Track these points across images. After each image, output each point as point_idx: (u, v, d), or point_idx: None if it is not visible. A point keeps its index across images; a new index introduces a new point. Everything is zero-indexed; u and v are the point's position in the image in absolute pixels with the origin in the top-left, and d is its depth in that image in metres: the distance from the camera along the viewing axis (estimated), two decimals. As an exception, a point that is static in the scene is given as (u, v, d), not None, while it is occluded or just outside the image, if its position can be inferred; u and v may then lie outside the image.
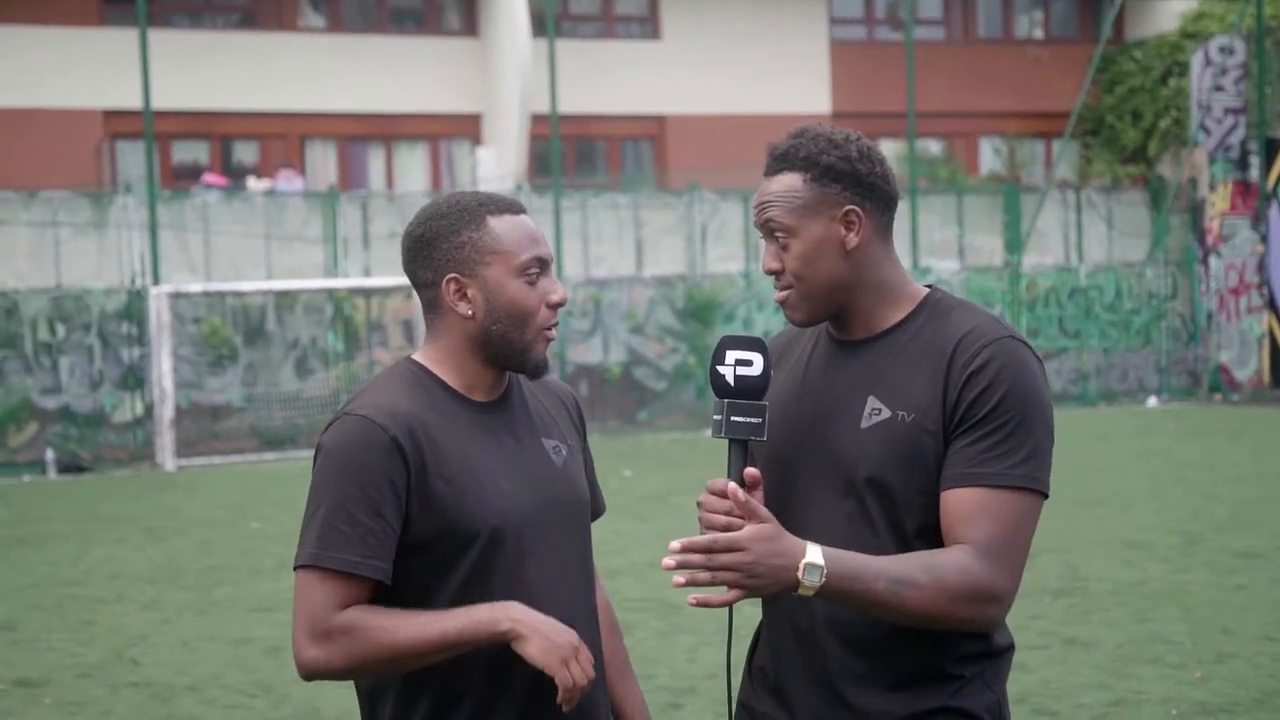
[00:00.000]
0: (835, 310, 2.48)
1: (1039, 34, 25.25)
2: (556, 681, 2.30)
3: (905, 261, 20.65)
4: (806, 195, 2.45)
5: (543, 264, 2.44)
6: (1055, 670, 6.53)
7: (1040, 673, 6.49)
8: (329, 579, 2.33)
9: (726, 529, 2.26)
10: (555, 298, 2.43)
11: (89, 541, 11.11)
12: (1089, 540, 9.62)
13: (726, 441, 2.37)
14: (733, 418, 2.35)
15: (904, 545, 2.38)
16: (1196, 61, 21.35)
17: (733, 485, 2.28)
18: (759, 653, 2.58)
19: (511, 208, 2.47)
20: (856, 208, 2.48)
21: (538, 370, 2.46)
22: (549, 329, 2.45)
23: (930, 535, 2.39)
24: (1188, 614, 7.49)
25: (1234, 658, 6.63)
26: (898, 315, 2.48)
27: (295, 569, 2.36)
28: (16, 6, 19.58)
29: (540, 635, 2.29)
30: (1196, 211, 21.58)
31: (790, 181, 2.46)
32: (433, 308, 2.46)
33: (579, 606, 2.48)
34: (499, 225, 2.43)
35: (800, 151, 2.47)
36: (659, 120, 22.31)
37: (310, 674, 2.35)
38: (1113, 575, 8.50)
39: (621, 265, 19.41)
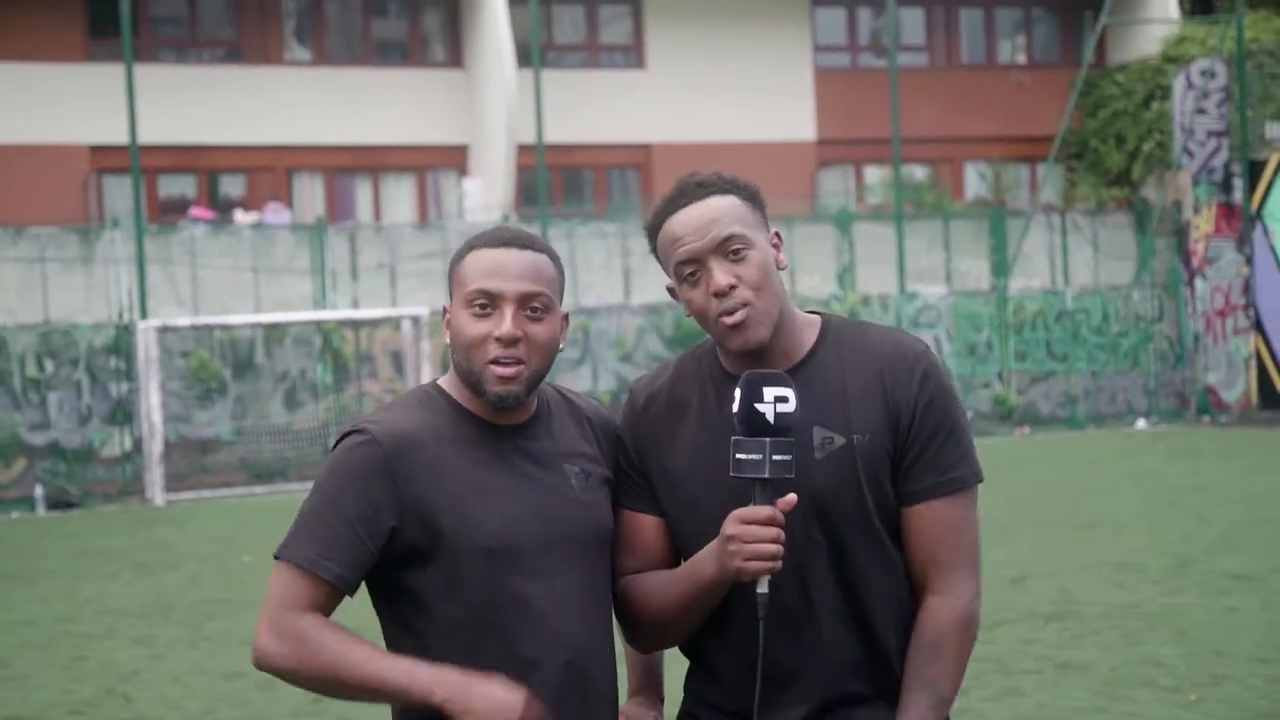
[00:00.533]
0: (770, 335, 2.44)
1: (1022, 59, 25.40)
2: None
3: (892, 287, 20.73)
4: (749, 213, 2.45)
5: (489, 296, 2.41)
6: (1049, 694, 6.53)
7: (1034, 697, 6.49)
8: (293, 574, 2.38)
9: (775, 558, 2.29)
10: (498, 332, 2.40)
11: (79, 577, 11.07)
12: (1081, 564, 9.63)
13: (752, 482, 2.31)
14: (774, 456, 2.30)
15: (886, 560, 2.43)
16: (1179, 85, 21.49)
17: (778, 513, 2.30)
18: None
19: (495, 242, 2.46)
20: (778, 232, 2.52)
21: (498, 402, 2.45)
22: (497, 365, 2.41)
23: (886, 548, 2.44)
24: (1181, 636, 7.49)
25: (1228, 680, 6.63)
26: (807, 343, 2.48)
27: (276, 557, 2.43)
28: (3, 43, 19.61)
29: (472, 714, 2.29)
30: (1181, 234, 21.68)
31: (726, 202, 2.44)
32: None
33: (588, 637, 2.47)
34: (472, 259, 2.46)
35: (725, 178, 2.48)
36: (645, 149, 22.39)
37: (259, 663, 2.39)
38: (1105, 598, 8.51)
39: (609, 294, 19.44)
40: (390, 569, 2.43)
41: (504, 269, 2.42)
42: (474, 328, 2.42)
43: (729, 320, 2.39)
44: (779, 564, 2.30)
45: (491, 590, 2.41)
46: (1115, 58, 24.26)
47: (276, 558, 2.41)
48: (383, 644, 2.48)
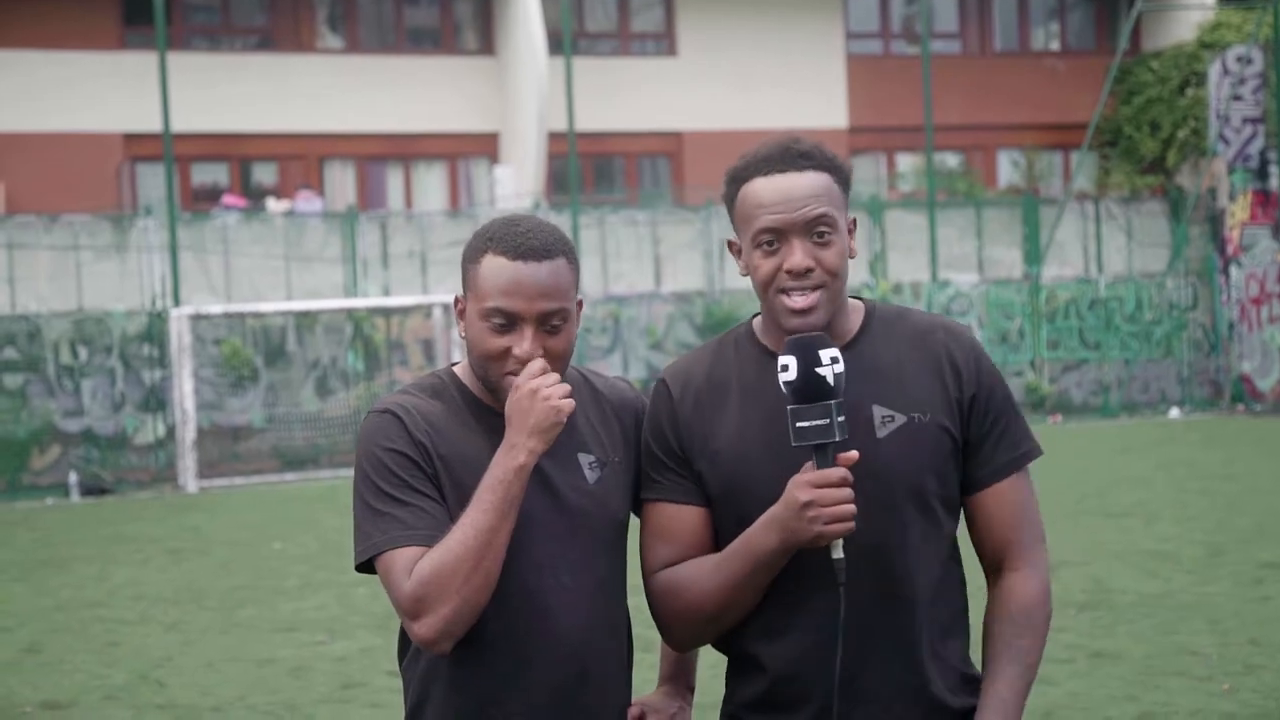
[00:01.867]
0: (830, 322, 2.42)
1: (1055, 46, 25.22)
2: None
3: (924, 275, 20.64)
4: (839, 196, 2.42)
5: (508, 316, 2.39)
6: (1082, 683, 6.50)
7: (1066, 686, 6.45)
8: (392, 558, 2.35)
9: (853, 518, 2.27)
10: (518, 351, 2.39)
11: (112, 563, 11.14)
12: (1114, 553, 9.58)
13: (813, 449, 2.28)
14: (839, 419, 2.27)
15: (935, 538, 2.42)
16: (1214, 71, 21.30)
17: (848, 473, 2.28)
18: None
19: (514, 250, 2.41)
20: (855, 218, 2.51)
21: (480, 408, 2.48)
22: (514, 374, 2.40)
23: (939, 525, 2.43)
24: (1214, 626, 7.44)
25: (1262, 669, 6.58)
26: (855, 325, 2.46)
27: (372, 559, 2.38)
28: (38, 31, 19.71)
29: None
30: (1216, 221, 21.51)
31: (824, 180, 2.41)
32: None
33: (592, 631, 2.45)
34: (488, 265, 2.42)
35: (825, 153, 2.44)
36: (676, 136, 22.34)
37: (433, 644, 2.34)
38: (1138, 587, 8.46)
39: (640, 281, 19.43)
40: None
41: (522, 287, 2.39)
42: (492, 342, 2.40)
43: (799, 303, 2.36)
44: (854, 525, 2.28)
45: (503, 571, 2.38)
46: (1150, 44, 24.06)
47: (366, 559, 2.37)
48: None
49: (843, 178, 2.45)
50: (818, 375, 2.27)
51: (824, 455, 2.28)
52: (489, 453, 2.40)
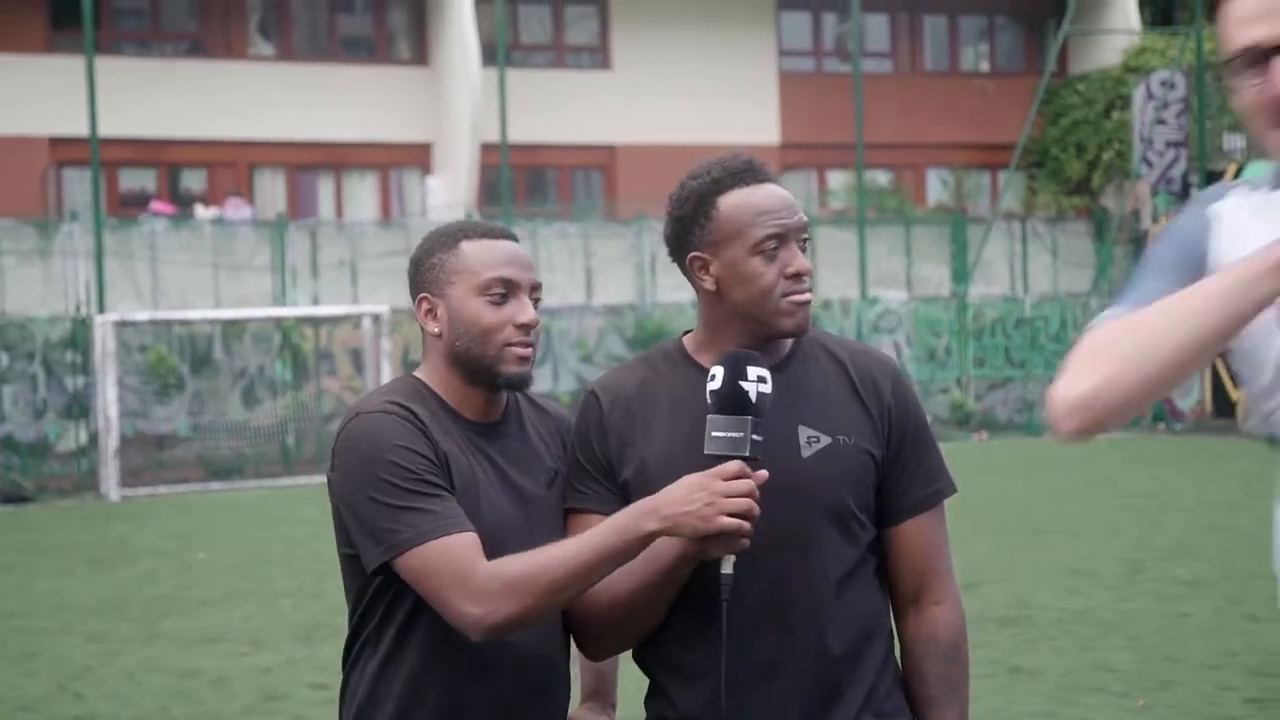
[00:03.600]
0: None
1: (985, 66, 25.55)
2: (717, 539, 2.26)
3: (854, 291, 20.80)
4: None
5: (509, 285, 2.46)
6: (1000, 700, 6.58)
7: (986, 702, 6.53)
8: (442, 544, 2.32)
9: (750, 520, 2.25)
10: (522, 318, 2.46)
11: (33, 572, 10.98)
12: (1035, 569, 9.70)
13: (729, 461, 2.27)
14: (754, 436, 2.27)
15: (857, 562, 2.43)
16: (1138, 95, 21.67)
17: (754, 486, 2.26)
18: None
19: (492, 233, 2.53)
20: None
21: (512, 383, 2.49)
22: (516, 346, 2.46)
23: (859, 550, 2.44)
24: (1132, 642, 7.56)
25: (1178, 685, 6.69)
26: (786, 346, 2.48)
27: (394, 560, 2.33)
28: (-38, 32, 19.43)
29: (680, 513, 2.25)
30: (1140, 243, 21.86)
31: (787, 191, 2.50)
32: (420, 328, 2.55)
33: (546, 637, 2.48)
34: (470, 247, 2.49)
35: (771, 169, 2.52)
36: (609, 150, 22.40)
37: (489, 632, 2.31)
38: (1059, 604, 8.57)
39: (572, 294, 19.44)
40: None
41: (515, 259, 2.49)
42: (492, 314, 2.45)
43: (800, 300, 2.41)
44: (747, 540, 2.26)
45: None
46: (1077, 67, 24.43)
47: (398, 551, 2.32)
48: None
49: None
50: (740, 389, 2.29)
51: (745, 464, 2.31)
52: (468, 457, 2.44)
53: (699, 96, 22.44)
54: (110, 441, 16.03)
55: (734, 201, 2.42)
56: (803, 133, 23.16)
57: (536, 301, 2.52)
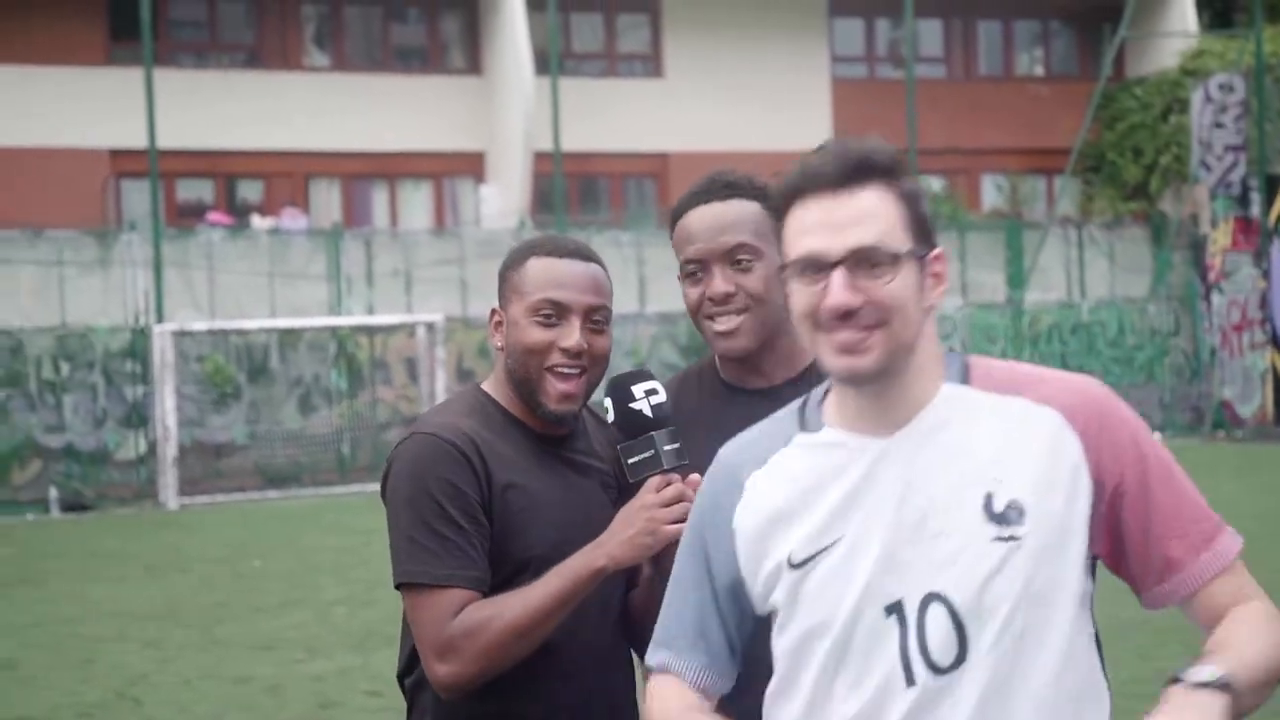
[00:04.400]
0: (765, 349, 2.46)
1: (1040, 71, 25.36)
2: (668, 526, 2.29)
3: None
4: (766, 222, 2.44)
5: (558, 306, 2.41)
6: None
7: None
8: (432, 594, 2.34)
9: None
10: (564, 342, 2.41)
11: (91, 580, 11.10)
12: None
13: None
14: (665, 447, 2.33)
15: None
16: (1197, 99, 21.44)
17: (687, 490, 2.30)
18: None
19: (558, 250, 2.48)
20: None
21: (549, 416, 2.44)
22: (559, 371, 2.41)
23: None
24: (1190, 650, 7.45)
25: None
26: (804, 359, 2.48)
27: (397, 588, 2.40)
28: (24, 46, 19.70)
29: (623, 541, 2.31)
30: (1198, 248, 21.62)
31: (750, 209, 2.47)
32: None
33: (612, 648, 2.49)
34: (533, 265, 2.47)
35: (755, 183, 2.50)
36: (662, 157, 22.40)
37: (449, 689, 2.35)
38: (1118, 613, 8.47)
39: (624, 302, 19.45)
40: None
41: (571, 280, 2.44)
42: (538, 335, 2.42)
43: (718, 327, 2.44)
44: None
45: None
46: (1133, 71, 24.21)
47: (403, 584, 2.36)
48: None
49: (772, 206, 2.47)
50: (632, 410, 2.32)
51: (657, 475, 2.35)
52: (532, 474, 2.43)
53: (751, 104, 22.41)
54: (168, 450, 16.18)
55: (680, 225, 2.52)
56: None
57: (598, 326, 2.44)
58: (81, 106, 19.82)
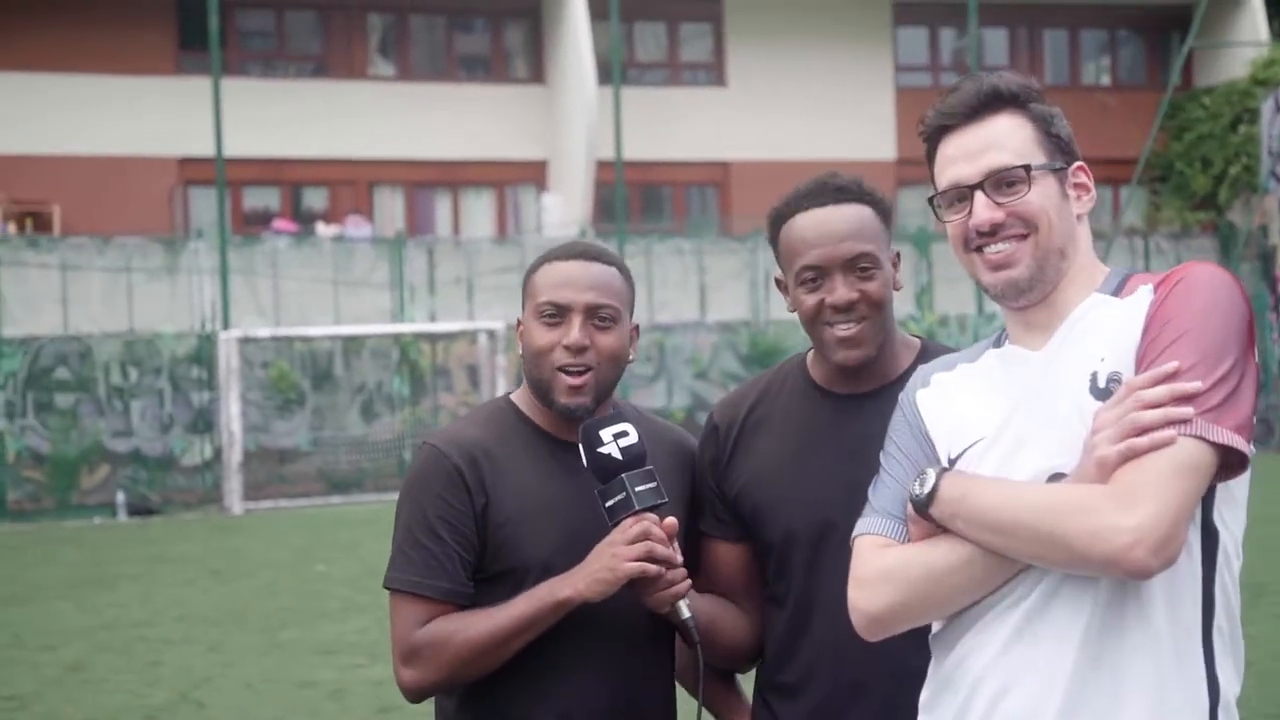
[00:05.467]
0: (876, 355, 2.46)
1: (1106, 80, 25.13)
2: (648, 585, 2.36)
3: (971, 308, 20.56)
4: (880, 229, 2.46)
5: (558, 307, 2.46)
6: None
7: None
8: (406, 601, 2.45)
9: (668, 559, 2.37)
10: (566, 340, 2.45)
11: (157, 583, 11.23)
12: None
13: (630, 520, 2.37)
14: (637, 489, 2.34)
15: None
16: (1267, 108, 21.16)
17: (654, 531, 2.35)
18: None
19: (566, 254, 2.53)
20: (899, 251, 2.54)
21: (566, 414, 2.48)
22: (566, 370, 2.45)
23: None
24: (1251, 666, 7.36)
25: (1305, 713, 6.52)
26: (903, 364, 2.48)
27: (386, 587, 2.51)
28: (95, 56, 19.99)
29: (586, 575, 2.36)
30: (1267, 259, 21.33)
31: (865, 214, 2.45)
32: None
33: (633, 654, 2.47)
34: (542, 271, 2.53)
35: (864, 187, 2.48)
36: (723, 166, 22.39)
37: (410, 694, 2.46)
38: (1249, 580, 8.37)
39: (685, 310, 19.45)
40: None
41: (573, 281, 2.48)
42: (543, 336, 2.47)
43: (839, 333, 2.41)
44: (680, 586, 2.37)
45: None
46: (1202, 80, 23.93)
47: (385, 587, 2.48)
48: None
49: (883, 210, 2.48)
50: (601, 456, 2.34)
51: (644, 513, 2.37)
52: (544, 480, 2.46)
53: (814, 112, 22.35)
54: (234, 456, 16.34)
55: (791, 227, 2.47)
56: (919, 148, 22.73)
57: (603, 324, 2.47)
58: (150, 115, 20.07)
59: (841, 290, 2.40)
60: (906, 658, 2.36)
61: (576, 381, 2.46)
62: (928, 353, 2.50)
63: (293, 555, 12.61)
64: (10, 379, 16.47)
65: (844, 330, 2.41)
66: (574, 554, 2.41)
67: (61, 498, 16.43)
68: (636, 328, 2.56)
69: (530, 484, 2.46)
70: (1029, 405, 2.01)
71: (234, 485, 16.32)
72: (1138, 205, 23.21)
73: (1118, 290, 2.04)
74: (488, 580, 2.45)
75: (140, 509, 16.34)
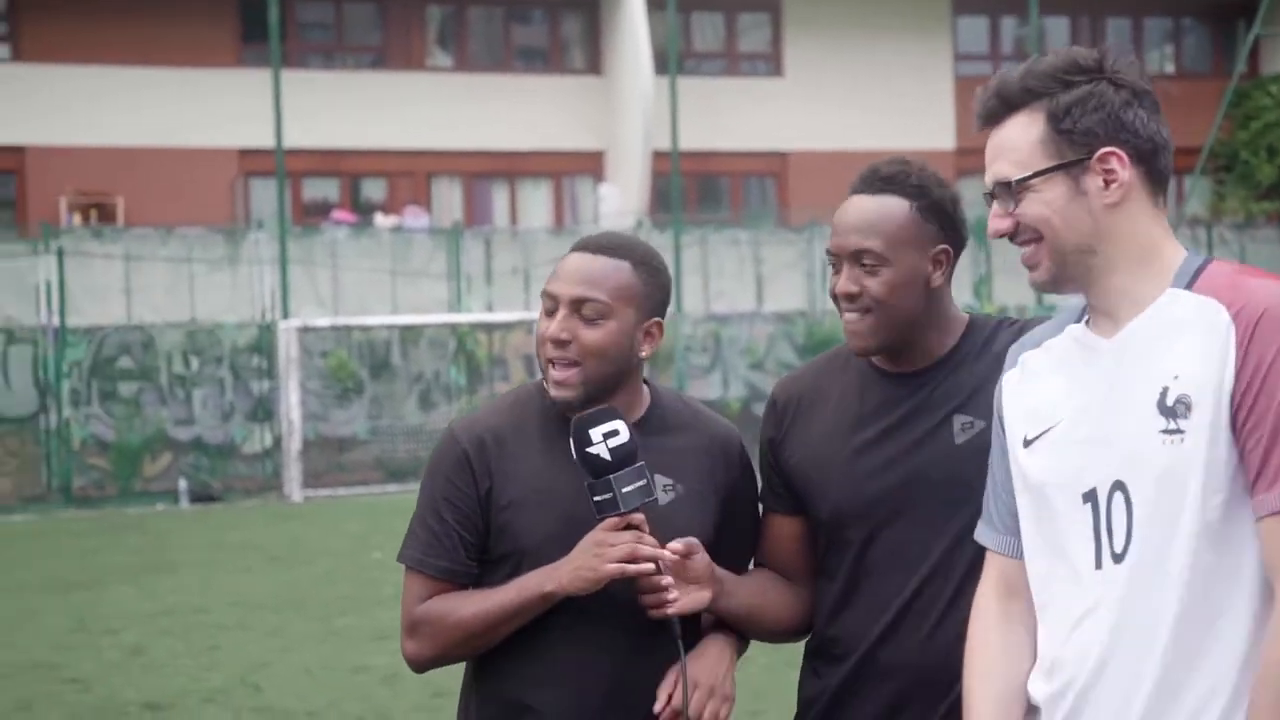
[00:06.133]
0: (898, 344, 2.48)
1: (1170, 69, 24.85)
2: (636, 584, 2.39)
3: (1029, 298, 20.40)
4: (912, 224, 2.46)
5: (551, 299, 2.47)
6: None
7: None
8: (412, 576, 2.53)
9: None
10: (548, 332, 2.46)
11: (217, 569, 11.36)
12: None
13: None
14: (624, 490, 2.35)
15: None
16: (1334, 96, 20.87)
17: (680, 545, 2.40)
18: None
19: (579, 245, 2.53)
20: (948, 247, 2.51)
21: (558, 406, 2.48)
22: (551, 363, 2.46)
23: None
24: None
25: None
26: (951, 341, 2.51)
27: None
28: (157, 49, 20.21)
29: (570, 571, 2.39)
30: (1334, 249, 21.04)
31: (897, 208, 2.46)
32: None
33: (635, 647, 2.45)
34: (561, 260, 2.54)
35: (911, 179, 2.47)
36: (781, 156, 22.33)
37: (412, 665, 2.55)
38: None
39: (741, 301, 19.43)
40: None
41: (567, 273, 2.49)
42: (540, 327, 2.50)
43: (848, 321, 2.48)
44: (642, 567, 2.37)
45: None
46: (1268, 68, 23.61)
47: (397, 561, 2.56)
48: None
49: (930, 205, 2.47)
50: (591, 454, 2.35)
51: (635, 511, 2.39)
52: (551, 465, 2.47)
53: (872, 102, 22.25)
54: (293, 444, 16.50)
55: (839, 208, 2.52)
56: (979, 138, 22.55)
57: (588, 319, 2.45)
58: (212, 107, 20.27)
59: (843, 280, 2.45)
60: (949, 634, 2.40)
61: (560, 375, 2.45)
62: (974, 329, 2.53)
63: (350, 543, 12.72)
64: (75, 368, 16.70)
65: (849, 318, 2.47)
66: (569, 541, 2.42)
67: (125, 485, 16.65)
68: (657, 324, 2.51)
69: (538, 468, 2.48)
70: (1100, 407, 2.03)
71: (293, 473, 16.48)
72: (1201, 195, 22.95)
73: (1191, 282, 2.02)
74: (492, 562, 2.50)
75: (202, 496, 16.54)
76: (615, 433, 2.35)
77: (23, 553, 12.78)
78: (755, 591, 2.56)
